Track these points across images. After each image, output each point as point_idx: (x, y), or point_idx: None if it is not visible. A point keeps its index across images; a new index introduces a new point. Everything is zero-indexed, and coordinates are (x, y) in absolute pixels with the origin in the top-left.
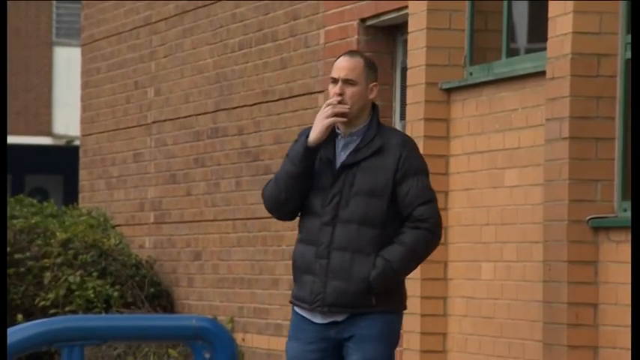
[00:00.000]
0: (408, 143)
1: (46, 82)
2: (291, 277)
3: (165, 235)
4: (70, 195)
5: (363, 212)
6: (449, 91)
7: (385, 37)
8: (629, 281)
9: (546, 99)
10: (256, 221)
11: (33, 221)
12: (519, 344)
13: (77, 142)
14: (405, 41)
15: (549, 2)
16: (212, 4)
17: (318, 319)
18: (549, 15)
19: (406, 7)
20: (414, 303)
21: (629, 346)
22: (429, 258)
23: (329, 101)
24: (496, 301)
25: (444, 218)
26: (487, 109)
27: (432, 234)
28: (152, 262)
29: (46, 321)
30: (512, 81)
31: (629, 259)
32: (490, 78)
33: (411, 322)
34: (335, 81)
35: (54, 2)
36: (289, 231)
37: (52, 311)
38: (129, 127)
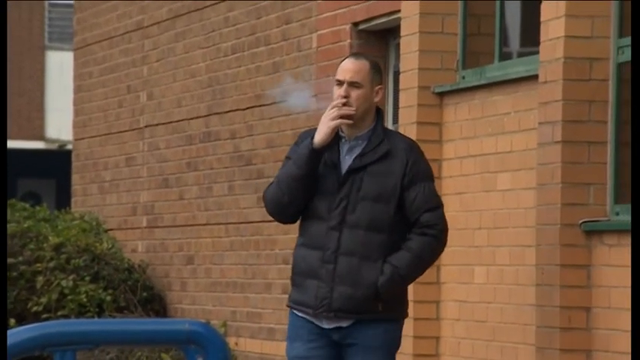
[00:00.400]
0: (415, 148)
1: (39, 86)
2: (284, 280)
3: (158, 239)
4: (63, 199)
5: (370, 217)
6: (441, 94)
7: (377, 40)
8: (622, 285)
9: (539, 103)
10: (249, 225)
11: (25, 225)
12: (512, 348)
13: (69, 147)
14: (398, 45)
15: (542, 6)
16: (204, 8)
17: (324, 324)
18: (542, 19)
19: (399, 10)
20: None
21: (622, 350)
22: None
23: (334, 103)
24: (489, 305)
25: None
26: (480, 113)
27: (438, 241)
28: (145, 267)
29: (38, 325)
30: (504, 85)
31: (622, 263)
32: (483, 82)
33: (404, 326)
34: (340, 83)
35: (46, 6)
36: (282, 235)
37: (44, 316)
38: (121, 132)
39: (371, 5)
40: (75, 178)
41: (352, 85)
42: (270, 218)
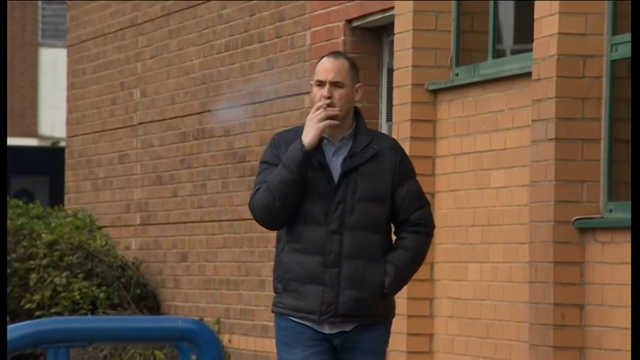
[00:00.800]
0: (399, 146)
1: (32, 83)
2: None
3: (152, 236)
4: (56, 196)
5: (369, 218)
6: (435, 92)
7: (371, 38)
8: (615, 282)
9: (532, 100)
10: (243, 222)
11: (19, 223)
12: (506, 345)
13: (63, 144)
14: (392, 42)
15: (535, 3)
16: (198, 5)
17: (326, 330)
18: (535, 16)
19: (392, 8)
20: (400, 304)
21: (615, 347)
22: None
23: (318, 104)
24: (482, 302)
25: None
26: (473, 110)
27: (429, 237)
28: (138, 264)
29: (31, 323)
30: (498, 82)
31: (615, 260)
32: (476, 79)
33: (397, 323)
34: (321, 84)
35: (39, 3)
36: (275, 232)
37: (37, 313)
38: (115, 129)
39: (365, 2)
40: (68, 175)
41: (335, 85)
42: None
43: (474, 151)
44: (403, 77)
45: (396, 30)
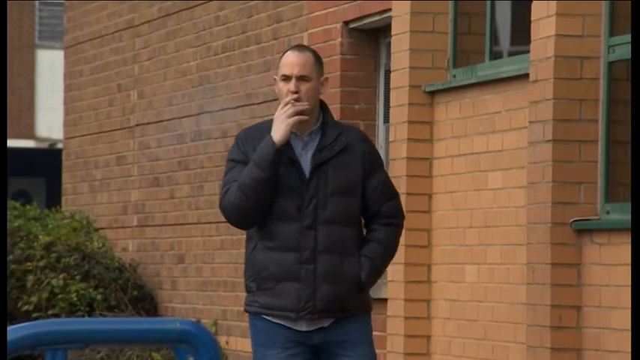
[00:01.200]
0: (367, 137)
1: (29, 84)
2: None
3: (149, 238)
4: (53, 198)
5: (342, 212)
6: (432, 93)
7: (369, 39)
8: (613, 283)
9: (529, 101)
10: None
11: (16, 224)
12: (503, 347)
13: (60, 145)
14: (389, 44)
15: (532, 5)
16: (195, 6)
17: (303, 327)
18: (532, 18)
19: (390, 9)
20: (397, 305)
21: (613, 348)
22: (412, 261)
23: (286, 100)
24: (480, 304)
25: (428, 221)
26: (470, 112)
27: (400, 229)
28: (135, 265)
29: (28, 325)
30: (495, 83)
31: (613, 262)
32: (473, 81)
33: (394, 325)
34: (287, 78)
35: (36, 5)
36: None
37: (35, 315)
38: (112, 130)
39: (362, 4)
40: (65, 176)
41: (301, 79)
42: None
43: (472, 153)
44: (400, 79)
45: (393, 31)
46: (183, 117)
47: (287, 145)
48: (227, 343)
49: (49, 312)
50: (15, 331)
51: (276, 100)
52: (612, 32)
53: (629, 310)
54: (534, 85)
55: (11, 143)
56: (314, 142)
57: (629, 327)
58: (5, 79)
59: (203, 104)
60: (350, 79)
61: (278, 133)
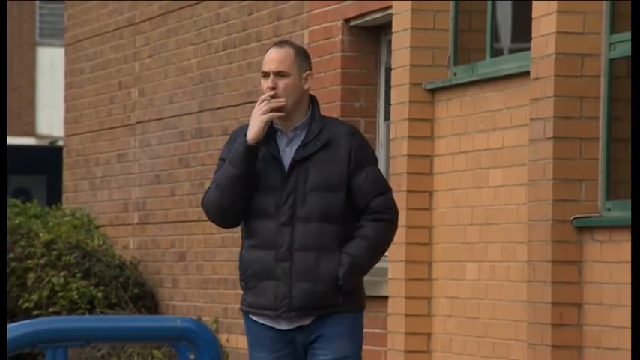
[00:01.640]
0: (356, 132)
1: (30, 82)
2: None
3: (150, 235)
4: (54, 196)
5: (322, 208)
6: (433, 91)
7: (369, 37)
8: (613, 281)
9: (530, 99)
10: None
11: (16, 222)
12: (504, 344)
13: (61, 143)
14: (390, 41)
15: (533, 2)
16: (196, 4)
17: (284, 326)
18: (533, 15)
19: (390, 7)
20: (398, 303)
21: (614, 346)
22: (413, 258)
23: (262, 97)
24: (480, 301)
25: (429, 218)
26: (471, 110)
27: (392, 225)
28: (136, 263)
29: (29, 322)
30: (496, 81)
31: (613, 259)
32: (474, 78)
33: (395, 323)
34: (266, 75)
35: (37, 2)
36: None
37: (35, 312)
38: (113, 128)
39: (363, 2)
40: (66, 174)
41: (278, 74)
42: None
43: (472, 150)
44: (401, 76)
45: (393, 29)
46: (183, 114)
47: (269, 141)
48: (228, 340)
49: (50, 310)
50: (15, 328)
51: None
52: (613, 30)
53: (630, 308)
54: (535, 83)
55: (12, 141)
56: (299, 138)
57: (630, 324)
58: (5, 77)
59: (204, 102)
60: (351, 76)
61: (251, 130)
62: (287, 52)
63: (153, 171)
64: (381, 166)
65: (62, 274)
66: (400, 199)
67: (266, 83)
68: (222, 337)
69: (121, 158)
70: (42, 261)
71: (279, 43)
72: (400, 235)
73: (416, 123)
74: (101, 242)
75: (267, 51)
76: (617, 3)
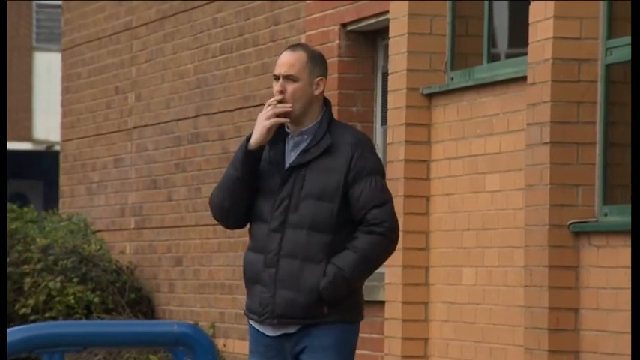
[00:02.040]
0: (362, 142)
1: (27, 87)
2: None
3: (146, 240)
4: (51, 200)
5: (313, 217)
6: (430, 96)
7: (366, 42)
8: (610, 286)
9: (527, 104)
10: None
11: (13, 227)
12: (501, 349)
13: (57, 148)
14: (386, 46)
15: (530, 7)
16: (193, 9)
17: (269, 332)
18: (530, 20)
19: (387, 11)
20: (395, 308)
21: (610, 351)
22: (410, 263)
23: (269, 101)
24: (477, 306)
25: (425, 223)
26: (468, 114)
27: (386, 238)
28: (133, 268)
29: (26, 327)
30: (493, 86)
31: (610, 264)
32: (471, 83)
33: (392, 328)
34: (277, 78)
35: (34, 7)
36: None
37: (32, 317)
38: (109, 133)
39: (360, 6)
40: (63, 179)
41: (288, 78)
42: None
43: (469, 155)
44: (398, 81)
45: (390, 34)
46: (180, 119)
47: (277, 145)
48: (224, 345)
49: (47, 314)
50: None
51: None
52: (610, 35)
53: (627, 313)
54: (532, 88)
55: (9, 145)
56: (304, 143)
57: (627, 329)
58: (5, 81)
59: (200, 107)
60: (347, 81)
61: (255, 135)
62: (299, 56)
63: (149, 176)
64: None
65: (59, 279)
66: (397, 204)
67: (276, 86)
68: (219, 342)
69: (117, 163)
70: (38, 266)
71: (293, 46)
72: None
73: (413, 128)
74: (98, 247)
75: (281, 53)
76: (614, 7)
